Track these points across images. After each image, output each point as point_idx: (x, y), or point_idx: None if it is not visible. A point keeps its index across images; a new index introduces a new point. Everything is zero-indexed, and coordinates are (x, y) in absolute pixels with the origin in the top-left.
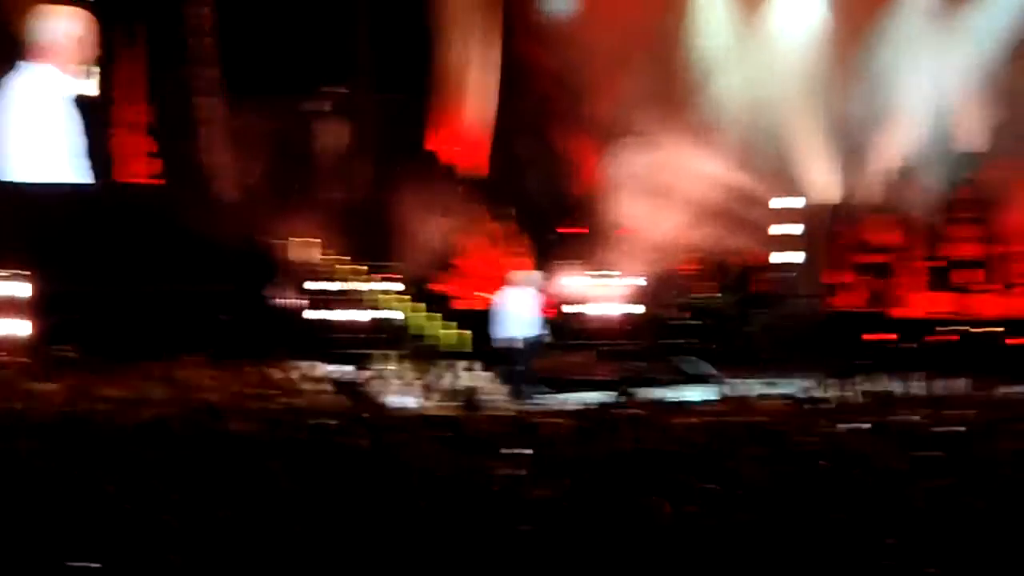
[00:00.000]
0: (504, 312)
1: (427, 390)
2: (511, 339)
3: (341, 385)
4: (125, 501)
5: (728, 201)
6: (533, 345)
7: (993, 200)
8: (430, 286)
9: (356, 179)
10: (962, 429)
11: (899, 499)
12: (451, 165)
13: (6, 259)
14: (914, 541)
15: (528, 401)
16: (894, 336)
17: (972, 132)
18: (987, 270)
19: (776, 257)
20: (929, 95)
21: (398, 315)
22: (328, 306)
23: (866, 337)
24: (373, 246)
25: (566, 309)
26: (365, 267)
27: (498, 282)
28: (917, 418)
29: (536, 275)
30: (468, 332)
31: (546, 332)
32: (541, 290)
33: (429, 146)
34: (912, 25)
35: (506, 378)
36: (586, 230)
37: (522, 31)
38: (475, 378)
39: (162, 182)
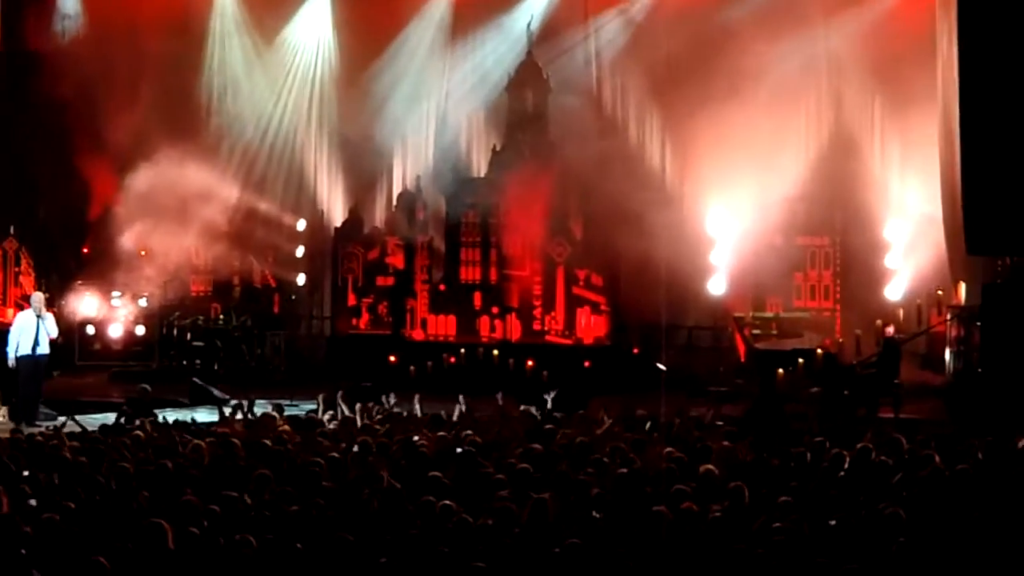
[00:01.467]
0: (17, 331)
1: None
2: (13, 360)
3: None
4: None
5: (238, 222)
6: (36, 366)
7: (497, 225)
8: None
9: None
10: (469, 449)
11: (402, 519)
12: None
13: None
14: (412, 558)
15: (36, 423)
16: (401, 358)
17: (478, 158)
18: (490, 293)
19: (284, 278)
20: (437, 121)
21: None
22: None
23: (374, 358)
24: None
25: (79, 330)
26: None
27: (2, 303)
28: (422, 439)
29: (39, 296)
30: None
31: (47, 353)
32: (47, 311)
33: None
34: (419, 52)
35: (11, 399)
36: (97, 251)
37: (33, 50)
38: None
39: None
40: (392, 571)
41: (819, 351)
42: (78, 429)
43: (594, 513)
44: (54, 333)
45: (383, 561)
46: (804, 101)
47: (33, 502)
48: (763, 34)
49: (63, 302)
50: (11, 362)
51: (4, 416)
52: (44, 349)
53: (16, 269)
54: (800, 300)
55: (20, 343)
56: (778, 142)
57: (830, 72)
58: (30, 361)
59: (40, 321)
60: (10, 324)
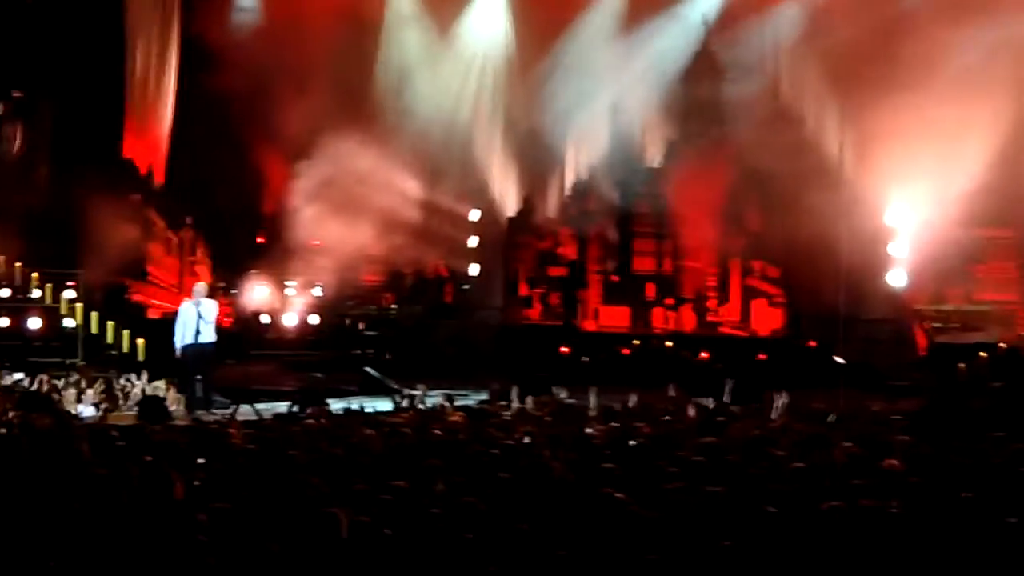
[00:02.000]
0: (179, 321)
1: (106, 399)
2: (185, 348)
3: (21, 394)
4: None
5: (412, 213)
6: (201, 355)
7: (671, 215)
8: (113, 293)
9: (34, 185)
10: (639, 441)
11: (574, 510)
12: (136, 172)
13: None
14: (588, 552)
15: (209, 411)
16: (573, 349)
17: (652, 148)
18: (663, 284)
19: (457, 268)
20: (611, 111)
21: (77, 323)
22: (6, 313)
23: (547, 349)
24: (52, 252)
25: (251, 319)
26: (43, 274)
27: (178, 291)
28: (594, 431)
29: (200, 285)
30: (147, 340)
31: (210, 341)
32: (209, 299)
33: (116, 152)
34: (596, 43)
35: (184, 388)
36: (271, 241)
37: (210, 43)
38: (156, 388)
39: None
40: (566, 563)
41: (1002, 345)
42: (253, 417)
43: (768, 508)
44: (212, 321)
45: (558, 553)
46: (987, 90)
47: (205, 490)
48: (945, 20)
49: (237, 291)
50: (177, 352)
51: (179, 405)
52: (206, 337)
53: (192, 258)
54: (982, 293)
55: (184, 333)
56: (960, 133)
57: (1014, 59)
58: (194, 350)
59: (200, 310)
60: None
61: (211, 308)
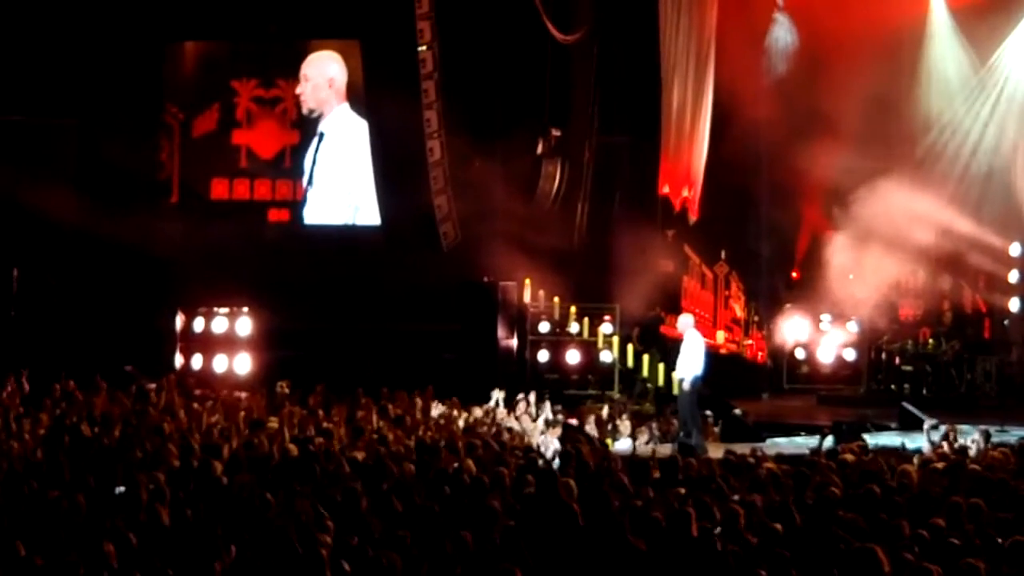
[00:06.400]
0: (684, 354)
1: (641, 431)
2: (685, 381)
3: (563, 427)
4: (346, 538)
5: (948, 247)
6: (692, 390)
7: None
8: (649, 327)
9: (572, 221)
10: None
11: None
12: (671, 209)
13: (229, 296)
14: None
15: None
16: None
17: None
18: None
19: (995, 304)
20: None
21: (613, 356)
22: (546, 347)
23: None
24: (589, 287)
25: (785, 353)
26: (581, 308)
27: (713, 325)
28: None
29: (682, 319)
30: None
31: (683, 378)
32: (691, 332)
33: (652, 189)
34: None
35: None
36: (806, 276)
37: (743, 85)
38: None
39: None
40: None
41: None
42: (787, 450)
43: None
44: (687, 356)
45: None
46: None
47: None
48: None
49: (772, 325)
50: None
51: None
52: (678, 373)
53: (726, 292)
54: None
55: (688, 365)
56: None
57: None
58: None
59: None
60: (714, 346)
61: (688, 342)
